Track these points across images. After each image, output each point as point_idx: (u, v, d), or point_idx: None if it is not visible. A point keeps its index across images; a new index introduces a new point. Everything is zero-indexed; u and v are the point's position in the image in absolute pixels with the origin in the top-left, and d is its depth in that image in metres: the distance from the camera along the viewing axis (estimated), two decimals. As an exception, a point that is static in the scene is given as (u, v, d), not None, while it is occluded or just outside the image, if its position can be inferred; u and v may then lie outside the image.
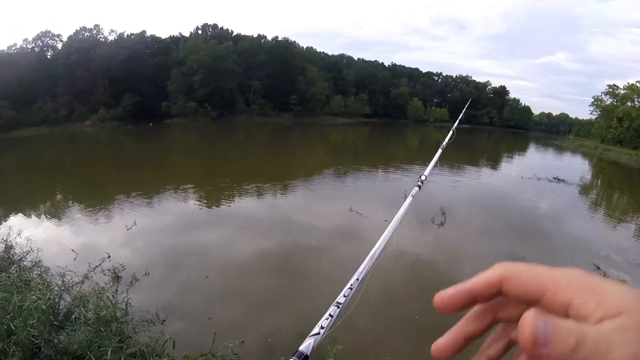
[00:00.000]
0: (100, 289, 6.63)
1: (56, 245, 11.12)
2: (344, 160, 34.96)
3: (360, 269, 1.14)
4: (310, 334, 0.88)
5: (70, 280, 7.11)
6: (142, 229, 13.01)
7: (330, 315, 0.97)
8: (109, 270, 9.34)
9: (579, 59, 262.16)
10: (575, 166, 49.98)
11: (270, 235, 13.46)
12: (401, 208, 1.54)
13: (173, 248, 11.70)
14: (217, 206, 16.90)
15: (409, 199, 1.68)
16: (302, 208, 17.34)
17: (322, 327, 0.92)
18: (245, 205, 17.26)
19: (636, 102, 74.41)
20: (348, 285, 1.06)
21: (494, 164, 44.17)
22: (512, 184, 28.52)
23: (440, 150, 2.53)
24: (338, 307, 1.00)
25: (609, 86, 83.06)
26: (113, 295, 6.67)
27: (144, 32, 64.99)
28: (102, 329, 5.22)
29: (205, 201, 17.43)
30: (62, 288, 6.44)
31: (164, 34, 79.06)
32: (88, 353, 4.88)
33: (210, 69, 59.36)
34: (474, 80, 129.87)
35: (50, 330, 5.29)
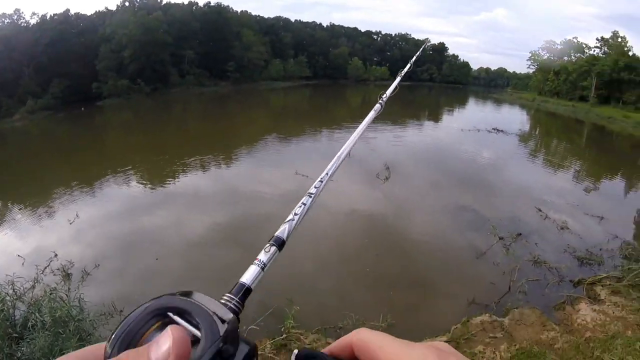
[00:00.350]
0: (51, 290, 6.44)
1: (0, 254, 10.42)
2: (286, 125, 34.84)
3: (328, 167, 1.14)
4: (285, 220, 0.92)
5: (22, 287, 6.81)
6: (86, 220, 12.30)
7: (303, 203, 0.98)
8: (58, 269, 8.91)
9: (517, 16, 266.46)
10: (513, 117, 51.63)
11: (219, 208, 13.27)
12: (366, 118, 1.44)
13: (121, 235, 11.23)
14: (161, 185, 16.25)
15: (372, 113, 1.52)
16: (249, 177, 17.06)
17: (295, 214, 0.95)
18: (190, 180, 16.74)
19: (572, 57, 77.09)
20: (319, 179, 1.07)
21: (435, 118, 44.99)
22: (453, 137, 29.01)
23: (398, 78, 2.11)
24: (310, 197, 1.00)
25: (546, 41, 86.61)
26: (66, 294, 6.50)
27: (67, 10, 59.48)
28: (60, 330, 5.14)
29: (148, 181, 16.75)
30: (14, 297, 6.25)
31: (89, 10, 73.64)
32: (51, 358, 4.74)
33: (140, 42, 55.51)
34: (414, 38, 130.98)
35: (10, 343, 5.17)
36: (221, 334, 0.52)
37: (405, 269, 9.34)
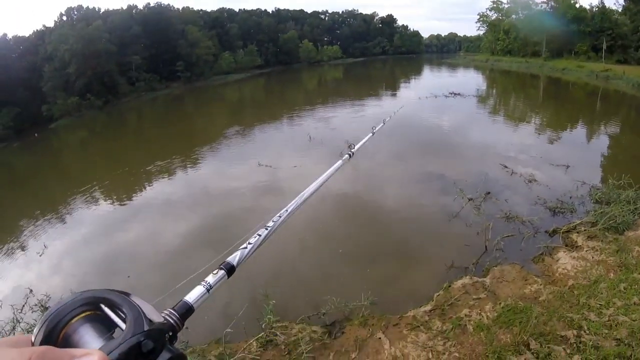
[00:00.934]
0: (31, 327, 6.10)
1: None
2: (244, 117, 34.06)
3: (290, 204, 1.22)
4: (239, 247, 0.95)
5: (2, 330, 6.63)
6: (56, 249, 11.52)
7: (258, 234, 1.03)
8: (36, 305, 8.17)
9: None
10: (469, 80, 52.27)
11: (193, 211, 12.73)
12: (333, 166, 1.60)
13: (94, 258, 10.52)
14: (129, 198, 15.37)
15: (340, 162, 1.73)
16: (216, 175, 16.57)
17: (249, 243, 0.99)
18: (157, 188, 15.92)
19: (520, 15, 78.61)
20: (278, 214, 1.13)
21: (392, 90, 44.79)
22: (412, 106, 28.70)
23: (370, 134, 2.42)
24: (266, 229, 1.05)
25: (493, 2, 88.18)
26: None
27: (4, 35, 56.47)
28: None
29: (115, 197, 15.76)
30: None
31: (26, 31, 69.82)
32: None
33: (83, 55, 52.61)
34: (361, 14, 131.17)
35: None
36: (145, 329, 0.53)
37: (380, 242, 9.11)
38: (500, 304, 5.86)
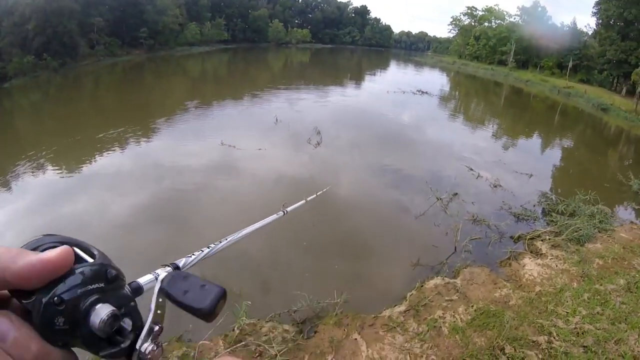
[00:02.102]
0: None
1: None
2: (206, 91, 33.21)
3: (229, 237, 1.30)
4: (185, 255, 0.99)
5: None
6: None
7: (201, 250, 1.08)
8: None
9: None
10: (435, 79, 53.16)
11: (143, 186, 12.11)
12: (263, 220, 1.59)
13: (39, 230, 9.25)
14: (78, 168, 14.36)
15: (273, 216, 1.73)
16: (171, 150, 15.67)
17: (193, 254, 1.03)
18: (107, 160, 14.97)
19: (493, 23, 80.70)
20: (218, 240, 1.22)
21: (359, 81, 44.83)
22: (378, 99, 28.99)
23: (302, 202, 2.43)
24: (208, 248, 1.12)
25: (468, 7, 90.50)
26: None
27: None
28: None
29: (64, 165, 14.72)
30: None
31: None
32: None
33: (45, 12, 49.01)
34: (336, 0, 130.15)
35: None
36: (113, 264, 0.61)
37: (348, 236, 8.93)
38: (472, 306, 5.90)
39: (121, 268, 0.62)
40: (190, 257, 0.99)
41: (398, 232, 9.35)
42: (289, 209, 2.02)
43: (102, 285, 0.56)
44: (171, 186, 11.90)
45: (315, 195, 2.81)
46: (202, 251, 1.07)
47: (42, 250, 0.54)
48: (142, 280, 0.73)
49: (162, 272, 0.80)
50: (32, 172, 13.90)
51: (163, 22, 69.71)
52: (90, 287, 0.54)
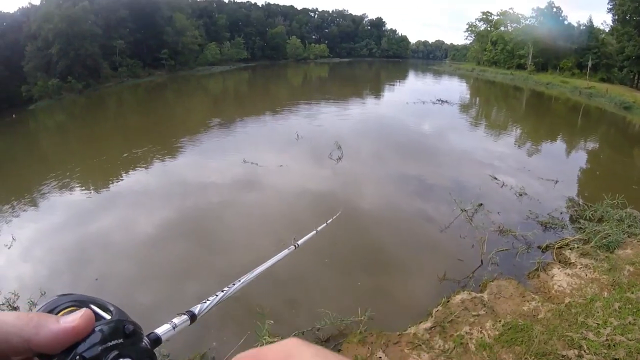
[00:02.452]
0: None
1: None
2: (227, 110, 33.81)
3: (242, 278, 1.26)
4: (200, 302, 1.01)
5: None
6: (26, 241, 10.76)
7: (216, 294, 1.09)
8: (3, 304, 7.62)
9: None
10: (455, 87, 52.89)
11: (169, 202, 12.36)
12: (275, 257, 1.54)
13: (66, 250, 9.94)
14: (104, 186, 14.80)
15: (285, 251, 1.67)
16: (195, 167, 16.08)
17: (208, 299, 1.04)
18: (134, 178, 15.35)
19: (509, 27, 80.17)
20: (232, 282, 1.21)
21: (378, 93, 44.98)
22: (398, 110, 28.95)
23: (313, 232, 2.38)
24: (222, 292, 1.13)
25: (483, 13, 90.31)
26: None
27: None
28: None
29: (91, 185, 15.16)
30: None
31: (11, 7, 67.38)
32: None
33: (67, 36, 50.87)
34: (351, 14, 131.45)
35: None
36: (129, 319, 0.62)
37: (370, 251, 8.91)
38: (500, 321, 5.82)
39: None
40: (206, 302, 1.02)
41: (422, 246, 9.30)
42: (300, 242, 2.02)
43: (120, 340, 0.58)
44: (194, 204, 12.11)
45: (325, 224, 2.85)
46: (217, 295, 1.09)
47: (59, 312, 0.58)
48: (160, 330, 0.75)
49: (179, 321, 0.83)
50: (59, 191, 14.39)
51: (182, 43, 71.28)
52: (109, 343, 0.56)
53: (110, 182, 15.06)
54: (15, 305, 7.50)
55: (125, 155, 17.76)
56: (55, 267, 9.21)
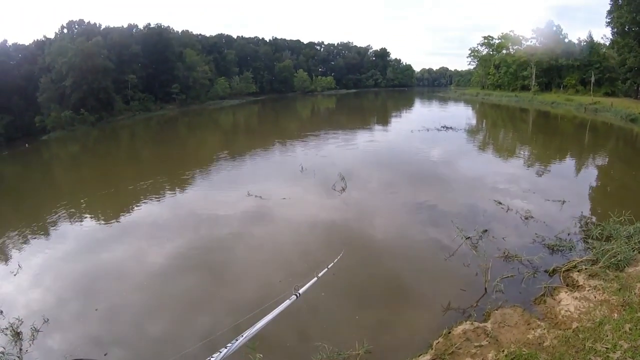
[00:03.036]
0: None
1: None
2: (236, 142, 34.29)
3: (246, 332, 1.44)
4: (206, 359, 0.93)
5: None
6: (32, 269, 10.84)
7: (219, 351, 1.14)
8: (7, 329, 7.63)
9: (454, 14, 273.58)
10: (460, 113, 53.13)
11: (180, 235, 12.36)
12: (277, 308, 1.79)
13: (76, 279, 10.01)
14: (115, 217, 14.86)
15: (287, 302, 1.92)
16: (205, 200, 16.14)
17: (212, 357, 1.09)
18: (145, 210, 15.52)
19: (511, 50, 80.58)
20: (235, 339, 1.35)
21: (384, 122, 45.46)
22: (404, 139, 29.04)
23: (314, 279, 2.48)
24: (226, 348, 1.24)
25: (485, 37, 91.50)
26: (19, 357, 6.16)
27: (5, 42, 56.73)
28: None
29: (102, 216, 15.28)
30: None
31: (27, 40, 69.74)
32: None
33: (81, 70, 52.73)
34: (356, 46, 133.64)
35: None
36: None
37: (373, 280, 8.78)
38: (503, 351, 5.59)
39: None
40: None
41: (425, 275, 9.10)
42: (301, 290, 1.99)
43: None
44: (207, 235, 12.20)
45: (326, 269, 2.75)
46: (220, 352, 1.15)
47: None
48: None
49: None
50: (71, 221, 14.54)
51: (193, 78, 72.93)
52: None
53: (122, 213, 15.15)
54: (19, 331, 7.51)
55: (137, 187, 18.03)
56: (61, 295, 9.20)
